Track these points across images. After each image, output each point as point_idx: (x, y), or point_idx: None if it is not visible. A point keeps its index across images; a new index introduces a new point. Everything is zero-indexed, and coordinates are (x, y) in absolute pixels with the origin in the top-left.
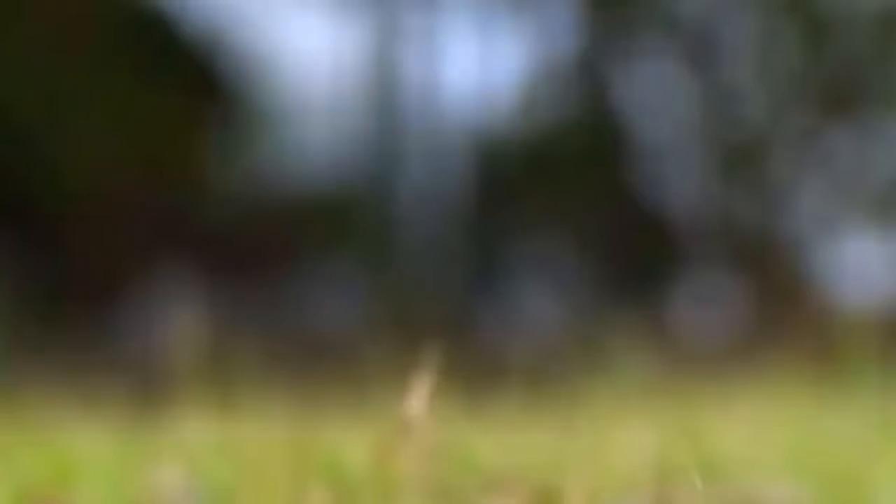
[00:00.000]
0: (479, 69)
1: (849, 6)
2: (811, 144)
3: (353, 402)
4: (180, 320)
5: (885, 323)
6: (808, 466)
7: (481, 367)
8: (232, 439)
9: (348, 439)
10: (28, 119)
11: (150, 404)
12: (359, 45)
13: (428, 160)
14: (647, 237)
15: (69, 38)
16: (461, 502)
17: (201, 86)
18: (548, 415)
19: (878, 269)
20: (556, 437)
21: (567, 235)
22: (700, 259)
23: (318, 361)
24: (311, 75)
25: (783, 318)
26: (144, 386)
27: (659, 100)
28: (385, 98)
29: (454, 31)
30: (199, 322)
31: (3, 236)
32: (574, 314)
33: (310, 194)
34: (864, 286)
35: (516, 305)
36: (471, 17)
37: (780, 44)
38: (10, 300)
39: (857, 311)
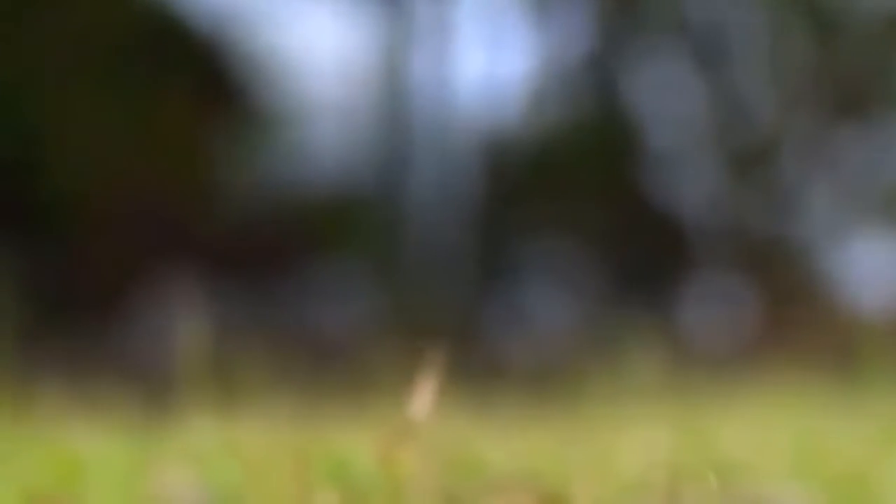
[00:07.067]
0: (490, 70)
1: (858, 9)
2: (821, 146)
3: (359, 404)
4: (187, 323)
5: (894, 325)
6: (816, 468)
7: (489, 369)
8: (238, 441)
9: (354, 441)
10: (36, 124)
11: (157, 407)
12: (368, 45)
13: (437, 161)
14: (657, 239)
15: (79, 42)
16: None
17: (210, 89)
18: (555, 416)
19: (888, 271)
20: (564, 439)
21: (576, 237)
22: (710, 261)
23: (325, 363)
24: (320, 77)
25: (793, 320)
26: (151, 389)
27: (669, 101)
28: (394, 99)
29: (464, 32)
30: (205, 324)
31: (12, 240)
32: (583, 315)
33: (318, 195)
34: (874, 288)
35: (525, 306)
36: (481, 18)
37: (790, 46)
38: (18, 304)
39: (866, 314)
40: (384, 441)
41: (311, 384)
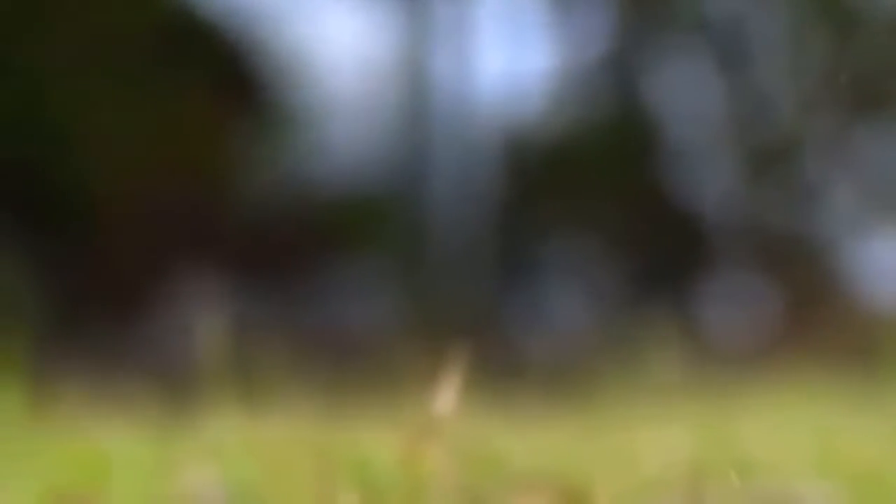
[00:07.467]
0: (510, 67)
1: (879, 6)
2: (841, 144)
3: (381, 402)
4: (208, 321)
5: None
6: (838, 466)
7: (510, 367)
8: (259, 440)
9: (376, 439)
10: (57, 121)
11: (178, 405)
12: (389, 43)
13: (458, 159)
14: (677, 237)
15: (98, 39)
16: (489, 503)
17: (231, 86)
18: (576, 414)
19: None
20: (585, 437)
21: (596, 235)
22: (729, 259)
23: (347, 361)
24: (341, 74)
25: (812, 318)
26: (172, 387)
27: (689, 99)
28: (415, 96)
29: (485, 30)
30: (227, 322)
31: (33, 238)
32: (603, 314)
33: (339, 193)
34: (894, 286)
35: (545, 305)
36: (502, 15)
37: (809, 44)
38: (39, 302)
39: (887, 311)
40: (406, 439)
41: (333, 382)
